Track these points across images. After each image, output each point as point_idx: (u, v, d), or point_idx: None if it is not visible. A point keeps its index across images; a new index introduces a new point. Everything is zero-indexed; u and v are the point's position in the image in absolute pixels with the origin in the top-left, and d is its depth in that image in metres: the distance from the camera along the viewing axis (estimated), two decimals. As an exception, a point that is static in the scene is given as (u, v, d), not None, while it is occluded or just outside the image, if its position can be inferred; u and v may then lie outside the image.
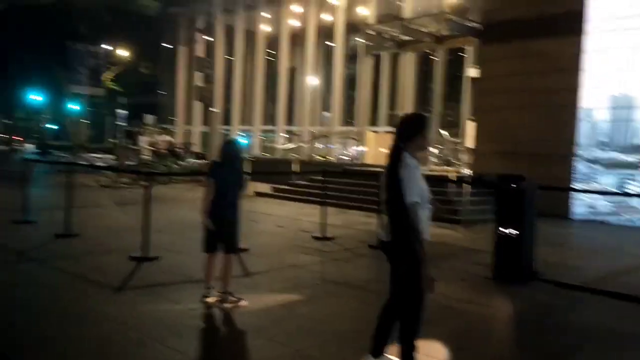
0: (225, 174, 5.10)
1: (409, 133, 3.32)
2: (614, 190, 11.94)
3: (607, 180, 12.12)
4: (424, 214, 3.27)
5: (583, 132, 12.50)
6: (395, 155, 3.31)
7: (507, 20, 13.61)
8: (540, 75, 12.77)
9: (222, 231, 5.07)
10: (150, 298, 5.26)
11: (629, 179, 11.86)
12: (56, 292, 5.41)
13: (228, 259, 5.14)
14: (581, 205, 12.29)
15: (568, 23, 12.47)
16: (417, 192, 3.19)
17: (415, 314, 3.43)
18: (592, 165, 12.38)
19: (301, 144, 21.85)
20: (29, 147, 43.60)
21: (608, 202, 11.99)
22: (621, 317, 5.33)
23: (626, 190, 11.80)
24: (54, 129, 56.17)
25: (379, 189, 9.12)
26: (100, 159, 24.05)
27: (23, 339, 4.11)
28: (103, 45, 37.41)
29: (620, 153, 12.06)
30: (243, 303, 5.06)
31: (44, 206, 10.08)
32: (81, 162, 18.99)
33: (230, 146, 5.35)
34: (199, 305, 4.99)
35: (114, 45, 35.93)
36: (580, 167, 12.46)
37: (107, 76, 36.07)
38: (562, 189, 11.63)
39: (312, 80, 23.10)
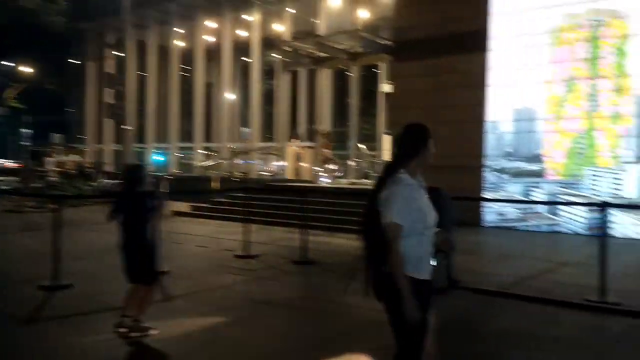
0: (130, 203, 4.88)
1: (409, 146, 2.89)
2: (521, 198, 12.63)
3: (514, 189, 12.81)
4: (418, 244, 2.77)
5: (490, 144, 13.17)
6: (387, 170, 2.87)
7: (418, 38, 14.15)
8: (451, 90, 13.35)
9: (134, 262, 4.84)
10: (61, 329, 4.96)
11: (533, 187, 12.59)
12: (-44, 330, 4.98)
13: (146, 288, 4.93)
14: (491, 213, 12.90)
15: (474, 41, 13.14)
16: (404, 213, 2.71)
17: None
18: (499, 175, 13.05)
19: (220, 161, 21.54)
20: None
21: (516, 209, 12.66)
22: (536, 319, 5.61)
23: (531, 198, 12.51)
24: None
25: (302, 203, 9.17)
26: (2, 181, 22.53)
27: None
28: (4, 62, 35.23)
29: (524, 162, 12.80)
30: (153, 332, 4.83)
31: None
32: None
33: (131, 172, 5.11)
34: (114, 336, 4.73)
35: (16, 61, 33.93)
36: (489, 177, 13.10)
37: (9, 94, 33.99)
38: (474, 199, 12.17)
39: (229, 96, 22.90)
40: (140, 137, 25.55)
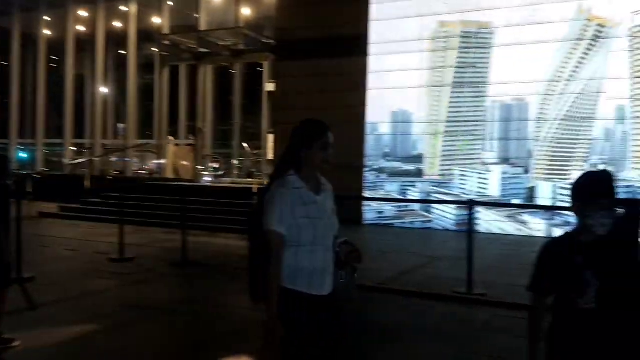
0: None
1: (295, 145, 2.57)
2: (398, 196, 13.23)
3: (392, 188, 13.38)
4: (306, 256, 2.45)
5: (370, 144, 13.65)
6: (275, 171, 2.61)
7: (301, 39, 14.29)
8: (333, 92, 13.63)
9: None
10: None
11: (409, 186, 13.24)
12: None
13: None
14: (371, 211, 13.37)
15: (355, 45, 13.52)
16: (286, 220, 2.41)
17: None
18: (378, 174, 13.57)
19: (93, 158, 20.30)
20: None
21: (393, 207, 13.23)
22: (412, 312, 5.87)
23: (407, 196, 13.15)
24: None
25: (182, 203, 8.89)
26: None
27: None
28: None
29: (401, 163, 13.41)
30: (15, 344, 4.42)
31: None
32: None
33: None
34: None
35: None
36: (369, 176, 13.57)
37: None
38: (356, 198, 12.55)
39: (103, 90, 21.65)
40: (3, 131, 23.37)
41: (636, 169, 11.00)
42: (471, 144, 12.58)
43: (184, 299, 6.61)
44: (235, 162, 17.44)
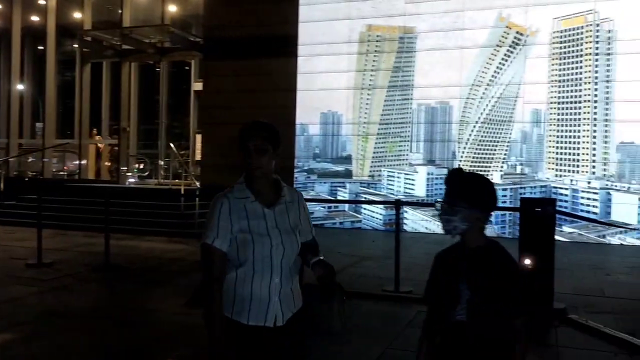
0: None
1: (239, 149, 2.27)
2: (328, 197, 13.34)
3: (322, 189, 13.48)
4: (247, 278, 2.14)
5: (300, 145, 13.69)
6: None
7: (230, 38, 14.13)
8: (263, 92, 13.56)
9: None
10: None
11: (338, 187, 13.38)
12: None
13: None
14: (301, 212, 13.40)
15: (284, 45, 13.52)
16: (223, 234, 2.12)
17: None
18: (308, 175, 13.63)
19: (9, 159, 19.18)
20: None
21: (323, 208, 13.33)
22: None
23: (337, 197, 13.29)
24: None
25: (104, 205, 8.56)
26: None
27: None
28: None
29: (331, 164, 13.54)
30: None
31: None
32: None
33: None
34: None
35: None
36: (299, 177, 13.60)
37: None
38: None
39: (19, 87, 20.48)
40: None
41: (551, 169, 11.65)
42: (398, 146, 12.89)
43: (106, 304, 6.36)
44: (161, 162, 16.98)
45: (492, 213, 2.11)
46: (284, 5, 13.70)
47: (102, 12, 18.85)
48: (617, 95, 11.14)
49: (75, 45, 18.76)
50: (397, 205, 7.11)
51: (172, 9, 17.75)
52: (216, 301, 2.11)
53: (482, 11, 12.13)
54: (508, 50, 11.94)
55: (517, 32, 11.87)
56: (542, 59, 11.68)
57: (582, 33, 11.44)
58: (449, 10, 12.38)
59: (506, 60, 11.96)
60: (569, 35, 11.53)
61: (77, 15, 19.07)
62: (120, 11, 18.08)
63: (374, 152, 13.08)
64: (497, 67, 12.03)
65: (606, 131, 11.23)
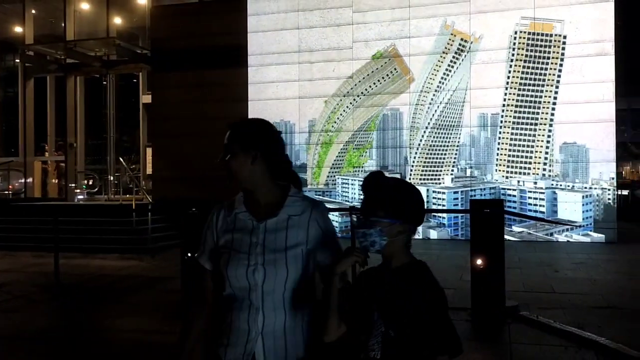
0: None
1: None
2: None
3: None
4: (226, 302, 1.81)
5: (253, 155, 13.62)
6: None
7: (178, 49, 13.99)
8: (214, 103, 13.47)
9: None
10: None
11: (293, 196, 13.36)
12: None
13: None
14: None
15: (233, 55, 13.48)
16: (207, 247, 1.91)
17: None
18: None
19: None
20: None
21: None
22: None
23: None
24: None
25: (53, 224, 8.29)
26: None
27: None
28: None
29: (285, 173, 13.51)
30: None
31: None
32: None
33: None
34: None
35: None
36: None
37: None
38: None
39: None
40: None
41: (499, 171, 11.99)
42: (351, 153, 13.01)
43: (58, 325, 6.15)
44: (111, 178, 16.60)
45: (418, 226, 1.75)
46: (232, 15, 13.68)
47: (44, 26, 18.35)
48: (560, 97, 11.61)
49: (17, 60, 18.18)
50: (352, 212, 7.17)
51: (117, 21, 17.45)
52: (188, 323, 1.89)
53: (427, 19, 12.44)
54: (454, 57, 12.26)
55: (462, 39, 12.22)
56: (486, 64, 12.05)
57: (526, 39, 11.88)
58: (395, 19, 12.64)
59: (452, 67, 12.29)
60: (516, 41, 11.94)
61: (18, 29, 18.49)
62: (63, 24, 17.64)
63: (328, 160, 13.15)
64: (444, 74, 12.34)
65: (550, 132, 11.67)
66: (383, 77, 12.74)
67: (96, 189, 16.37)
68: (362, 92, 12.88)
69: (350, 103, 12.98)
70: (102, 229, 11.37)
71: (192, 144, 13.44)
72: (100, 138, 18.23)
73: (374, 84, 12.81)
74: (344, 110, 13.03)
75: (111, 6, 16.89)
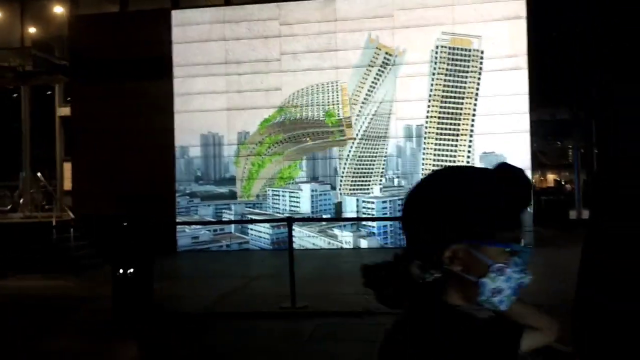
0: None
1: None
2: (212, 219, 13.11)
3: (205, 212, 13.20)
4: None
5: (180, 168, 13.34)
6: None
7: (99, 59, 13.49)
8: (138, 115, 13.06)
9: None
10: None
11: (224, 209, 13.18)
12: None
13: None
14: (185, 237, 13.03)
15: (158, 66, 13.17)
16: None
17: None
18: (191, 198, 13.29)
19: None
20: None
21: (208, 231, 13.07)
22: (239, 333, 5.84)
23: (222, 219, 13.09)
24: None
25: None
26: None
27: None
28: None
29: (214, 186, 13.32)
30: None
31: None
32: None
33: None
34: None
35: None
36: (181, 201, 13.22)
37: None
38: (169, 224, 12.15)
39: None
40: None
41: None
42: (282, 164, 13.01)
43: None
44: (28, 194, 15.66)
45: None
46: (156, 25, 13.38)
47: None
48: (479, 109, 12.19)
49: None
50: (289, 222, 7.19)
51: (32, 30, 16.62)
52: None
53: (353, 33, 12.73)
54: (379, 70, 12.60)
55: (387, 53, 12.59)
56: (410, 77, 12.48)
57: (447, 53, 12.40)
58: (322, 32, 12.83)
59: (378, 79, 12.62)
60: (437, 55, 12.43)
61: None
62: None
63: (258, 172, 13.08)
64: (370, 86, 12.65)
65: (470, 142, 12.22)
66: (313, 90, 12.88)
67: (9, 207, 15.40)
68: (290, 104, 12.95)
69: (279, 115, 13.01)
70: (20, 249, 10.70)
71: (117, 158, 12.97)
72: (14, 152, 17.21)
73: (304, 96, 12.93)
74: (273, 122, 13.04)
75: (26, 15, 16.10)
